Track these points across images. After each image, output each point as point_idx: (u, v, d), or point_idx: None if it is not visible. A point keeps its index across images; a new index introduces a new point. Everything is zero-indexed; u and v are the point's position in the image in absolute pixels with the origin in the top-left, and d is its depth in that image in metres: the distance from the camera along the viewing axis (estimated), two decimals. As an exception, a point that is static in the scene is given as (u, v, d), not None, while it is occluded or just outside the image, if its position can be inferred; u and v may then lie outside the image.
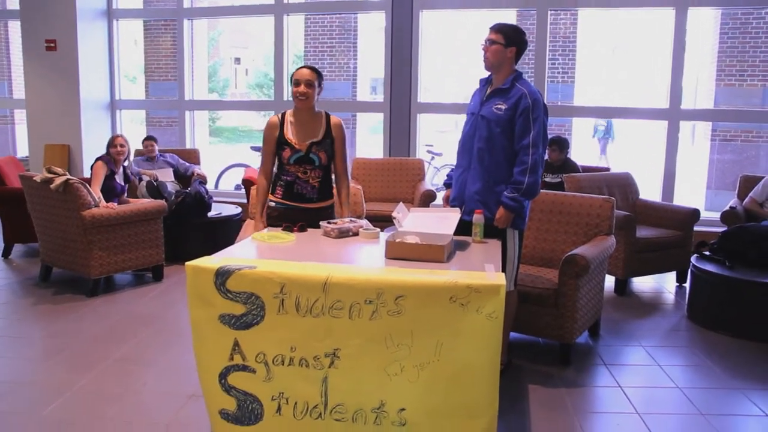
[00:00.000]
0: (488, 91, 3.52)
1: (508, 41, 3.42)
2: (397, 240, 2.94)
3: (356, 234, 3.33)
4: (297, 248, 3.11)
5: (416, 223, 3.17)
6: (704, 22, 11.18)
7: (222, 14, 11.19)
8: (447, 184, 3.79)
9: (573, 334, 3.83)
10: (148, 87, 13.86)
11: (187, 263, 2.65)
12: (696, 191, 10.89)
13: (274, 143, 3.63)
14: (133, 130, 12.13)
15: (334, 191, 3.83)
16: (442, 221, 3.16)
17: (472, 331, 2.45)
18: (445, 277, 2.48)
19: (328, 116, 3.70)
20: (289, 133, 3.60)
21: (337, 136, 3.70)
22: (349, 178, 3.82)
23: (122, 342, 4.14)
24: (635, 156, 15.11)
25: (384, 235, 3.30)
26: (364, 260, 3.05)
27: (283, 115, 3.66)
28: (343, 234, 3.27)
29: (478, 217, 3.22)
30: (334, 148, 3.69)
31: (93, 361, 3.83)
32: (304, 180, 3.61)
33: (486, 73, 3.58)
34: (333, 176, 3.81)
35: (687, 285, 5.56)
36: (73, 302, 4.90)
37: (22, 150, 9.79)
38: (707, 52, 11.32)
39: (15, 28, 10.47)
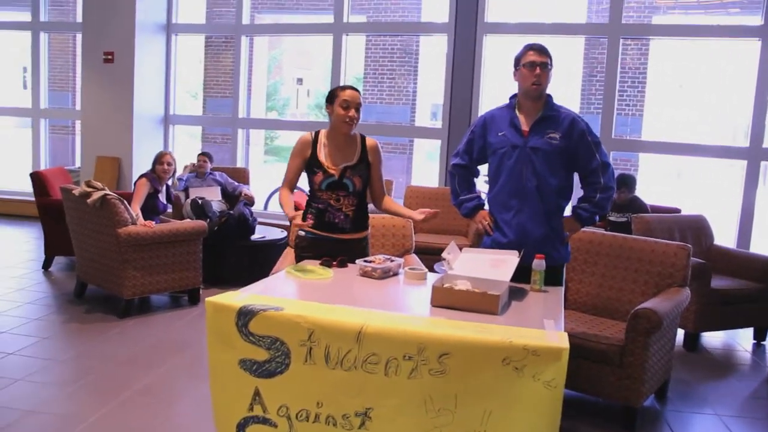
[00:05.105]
0: (521, 117, 3.15)
1: (552, 64, 3.13)
2: (446, 285, 2.61)
3: (396, 274, 3.00)
4: (332, 287, 2.81)
5: (468, 266, 2.83)
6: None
7: (281, 32, 11.13)
8: (480, 206, 3.35)
9: (640, 397, 3.40)
10: (206, 103, 13.92)
11: (207, 299, 2.39)
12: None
13: (303, 161, 3.32)
14: (191, 146, 12.15)
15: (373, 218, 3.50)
16: (498, 265, 2.81)
17: (527, 401, 2.11)
18: (499, 335, 2.14)
19: (363, 138, 3.39)
20: (322, 155, 3.29)
21: (374, 161, 3.38)
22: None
23: (148, 370, 3.89)
24: (702, 197, 14.36)
25: (431, 277, 2.97)
26: (406, 306, 2.73)
27: (317, 134, 3.36)
28: (385, 274, 2.94)
29: (538, 263, 2.85)
30: (369, 172, 3.36)
31: (115, 389, 3.58)
32: (337, 208, 3.28)
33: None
34: (369, 204, 3.49)
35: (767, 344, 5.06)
36: (103, 322, 4.69)
37: (79, 161, 9.83)
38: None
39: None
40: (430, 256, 5.09)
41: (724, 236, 6.59)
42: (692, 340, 4.94)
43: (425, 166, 13.47)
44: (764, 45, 6.29)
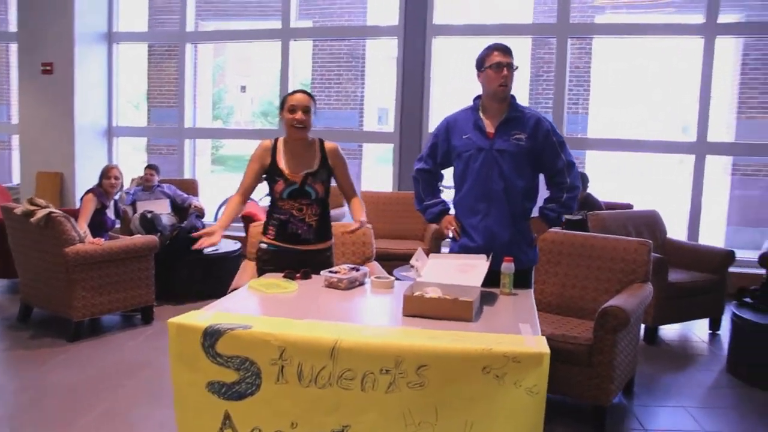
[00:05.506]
0: (486, 119, 3.09)
1: (515, 64, 3.07)
2: (416, 293, 2.54)
3: (363, 284, 2.92)
4: (298, 301, 2.71)
5: (437, 272, 2.77)
6: (725, 53, 10.78)
7: (227, 39, 10.87)
8: (445, 210, 3.29)
9: (609, 395, 3.39)
10: (150, 114, 13.55)
11: (169, 320, 2.26)
12: (714, 227, 10.40)
13: (261, 168, 3.22)
14: (135, 158, 11.79)
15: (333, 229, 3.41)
16: (467, 270, 2.76)
17: (510, 408, 2.06)
18: (477, 344, 2.08)
19: (322, 143, 3.30)
20: (282, 163, 3.20)
21: (335, 164, 3.29)
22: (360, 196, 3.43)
23: (104, 395, 3.69)
24: (645, 192, 14.67)
25: (398, 285, 2.90)
26: (378, 317, 2.65)
27: (276, 141, 3.26)
28: (352, 284, 2.86)
29: (507, 266, 2.81)
30: (333, 177, 3.31)
31: (68, 419, 3.38)
32: (300, 218, 3.19)
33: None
34: (345, 207, 3.40)
35: (722, 334, 5.16)
36: (51, 347, 4.44)
37: (18, 178, 9.42)
38: (728, 84, 10.95)
39: (16, 50, 10.16)
40: (389, 262, 5.04)
41: (671, 230, 6.70)
42: (651, 334, 5.01)
43: (375, 171, 13.40)
44: (707, 42, 6.44)
